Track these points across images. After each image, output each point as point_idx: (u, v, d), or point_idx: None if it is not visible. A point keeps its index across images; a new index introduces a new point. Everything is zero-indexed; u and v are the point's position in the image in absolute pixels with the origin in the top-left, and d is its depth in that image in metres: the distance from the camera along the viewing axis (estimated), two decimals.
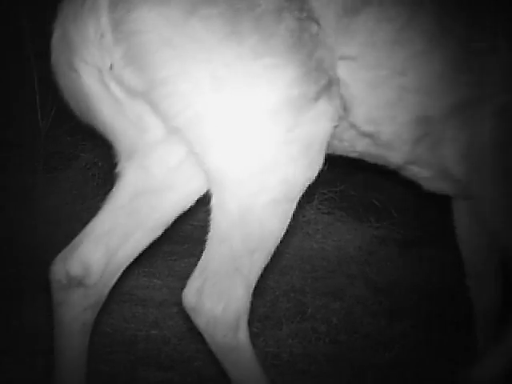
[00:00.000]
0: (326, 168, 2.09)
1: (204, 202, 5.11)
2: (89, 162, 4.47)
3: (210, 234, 2.02)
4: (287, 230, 2.06)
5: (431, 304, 3.40)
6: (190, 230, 4.38)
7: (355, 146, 2.26)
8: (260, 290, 2.16)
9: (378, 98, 2.14)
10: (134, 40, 1.87)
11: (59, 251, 3.90)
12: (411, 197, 4.41)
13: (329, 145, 2.18)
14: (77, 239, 2.17)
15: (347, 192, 4.51)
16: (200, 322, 2.01)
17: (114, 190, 2.19)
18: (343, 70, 2.06)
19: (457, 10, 2.20)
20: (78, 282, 2.13)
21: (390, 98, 2.15)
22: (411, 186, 4.31)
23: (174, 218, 2.22)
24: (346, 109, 2.11)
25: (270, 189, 1.96)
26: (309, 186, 2.07)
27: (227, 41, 1.86)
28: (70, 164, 4.50)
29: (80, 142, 4.60)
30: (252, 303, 3.27)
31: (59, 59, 2.02)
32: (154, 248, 4.08)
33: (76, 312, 2.15)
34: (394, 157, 2.28)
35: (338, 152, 2.32)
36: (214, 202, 2.01)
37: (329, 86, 2.00)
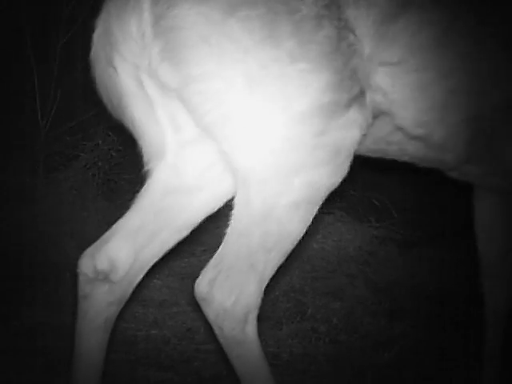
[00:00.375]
0: None
1: None
2: (89, 162, 4.48)
3: (229, 228, 2.04)
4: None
5: (431, 304, 3.40)
6: None
7: (406, 150, 2.26)
8: None
9: (425, 100, 2.14)
10: (172, 35, 1.90)
11: (59, 251, 3.91)
12: (411, 197, 4.42)
13: (377, 149, 2.23)
14: (106, 234, 2.19)
15: (347, 192, 4.52)
16: (210, 313, 2.02)
17: (144, 188, 2.19)
18: (384, 76, 2.07)
19: (495, 5, 2.21)
20: (104, 277, 2.14)
21: (438, 100, 2.15)
22: (411, 186, 4.31)
23: (201, 219, 2.23)
24: (386, 113, 2.12)
25: (293, 191, 1.99)
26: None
27: (264, 43, 1.89)
28: (70, 164, 4.50)
29: (80, 141, 4.61)
30: None
31: (99, 54, 2.04)
32: None
33: (100, 307, 2.15)
34: (449, 158, 2.28)
35: (389, 156, 2.33)
36: (238, 198, 2.03)
37: (360, 94, 2.02)
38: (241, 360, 2.06)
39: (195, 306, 3.37)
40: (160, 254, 2.22)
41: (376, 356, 3.01)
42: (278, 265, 2.06)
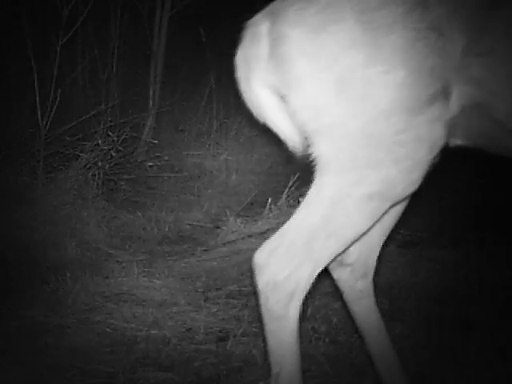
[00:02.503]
0: None
1: (200, 203, 5.08)
2: (89, 162, 4.49)
3: (301, 205, 2.19)
4: None
5: (431, 304, 3.39)
6: (189, 230, 4.38)
7: (502, 143, 2.25)
8: None
9: None
10: (280, 51, 2.22)
11: (59, 251, 3.89)
12: (411, 197, 4.41)
13: (472, 142, 2.26)
14: None
15: None
16: (261, 280, 2.16)
17: None
18: (480, 67, 2.12)
19: None
20: (339, 263, 2.51)
21: None
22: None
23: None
24: (479, 106, 2.16)
25: (367, 184, 2.12)
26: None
27: (349, 51, 2.14)
28: (70, 164, 4.51)
29: (80, 141, 4.62)
30: (252, 303, 3.26)
31: (241, 76, 2.33)
32: (153, 248, 4.09)
33: (350, 282, 2.55)
34: None
35: (484, 148, 2.32)
36: (315, 182, 2.17)
37: (443, 91, 2.10)
38: (275, 336, 2.18)
39: (195, 306, 3.38)
40: (386, 233, 2.54)
41: None
42: (335, 254, 2.20)
